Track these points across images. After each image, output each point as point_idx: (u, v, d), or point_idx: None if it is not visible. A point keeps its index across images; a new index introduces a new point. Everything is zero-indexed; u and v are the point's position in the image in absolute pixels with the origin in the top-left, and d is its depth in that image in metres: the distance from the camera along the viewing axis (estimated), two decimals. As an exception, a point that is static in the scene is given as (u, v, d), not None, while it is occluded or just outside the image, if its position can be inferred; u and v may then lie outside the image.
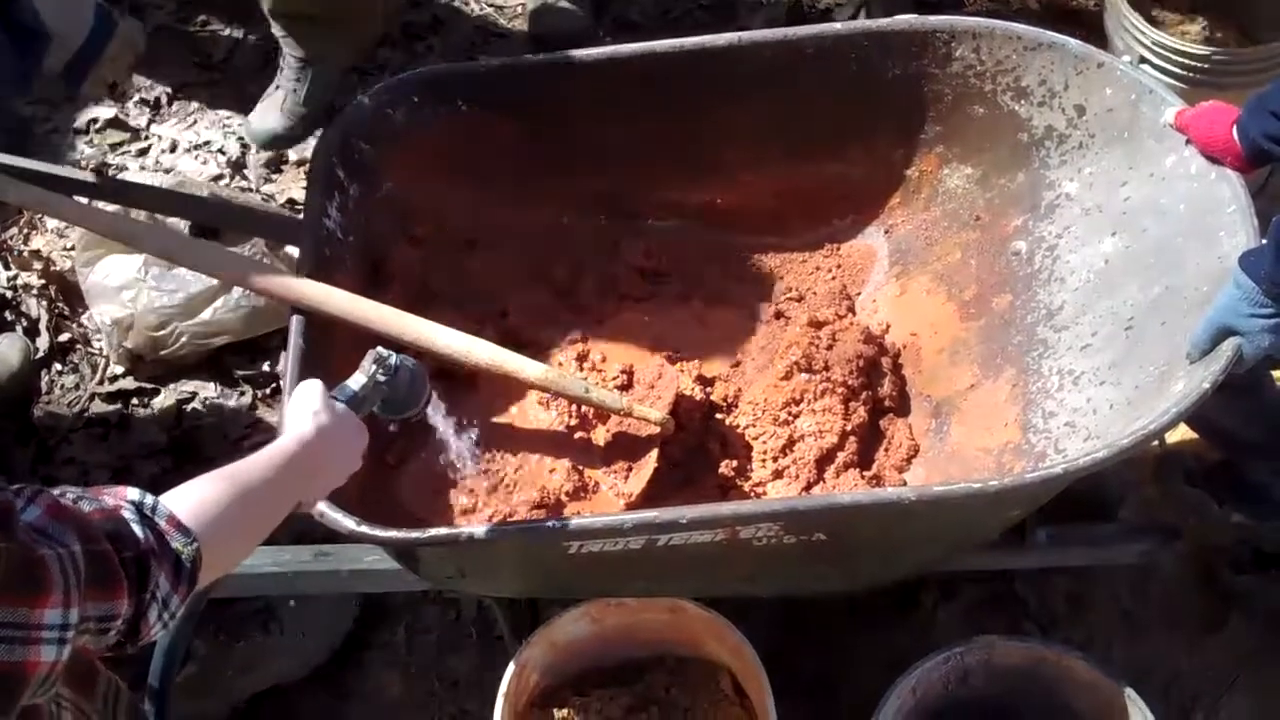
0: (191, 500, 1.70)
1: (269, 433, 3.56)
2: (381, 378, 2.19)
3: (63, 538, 1.47)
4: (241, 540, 1.81)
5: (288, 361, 2.55)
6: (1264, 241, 2.33)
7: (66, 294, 3.85)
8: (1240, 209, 2.51)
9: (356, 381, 2.16)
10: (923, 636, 3.16)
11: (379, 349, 2.22)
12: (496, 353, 2.61)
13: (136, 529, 1.59)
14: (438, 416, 2.48)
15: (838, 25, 2.85)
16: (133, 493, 1.64)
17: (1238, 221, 2.50)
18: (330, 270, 2.68)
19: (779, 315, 3.04)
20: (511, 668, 2.79)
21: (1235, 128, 2.51)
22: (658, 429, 2.69)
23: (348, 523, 2.27)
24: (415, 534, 2.35)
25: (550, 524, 2.37)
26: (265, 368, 3.73)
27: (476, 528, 2.34)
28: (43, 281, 3.85)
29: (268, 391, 3.71)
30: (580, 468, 2.76)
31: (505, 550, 2.45)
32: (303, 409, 2.01)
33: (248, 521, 1.80)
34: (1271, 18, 3.72)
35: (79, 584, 1.46)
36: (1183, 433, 2.98)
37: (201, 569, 1.66)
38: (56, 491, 1.55)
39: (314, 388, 2.06)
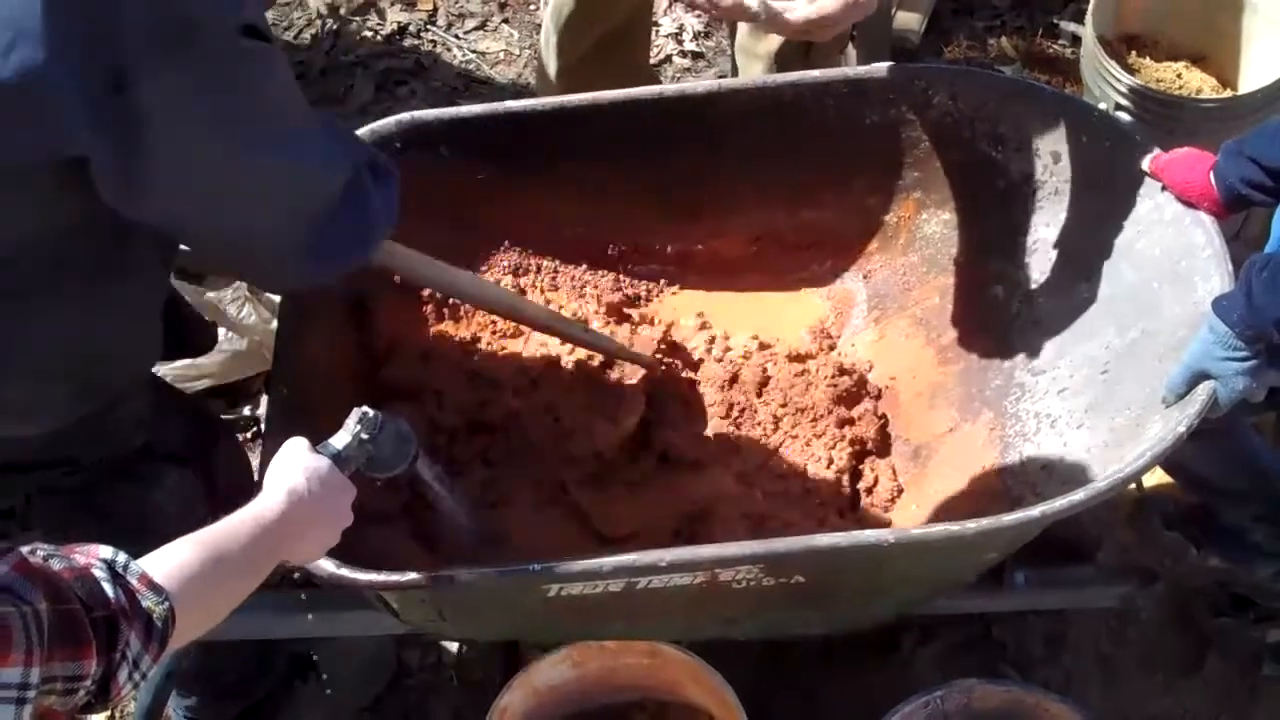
0: (166, 560, 1.68)
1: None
2: (365, 436, 2.17)
3: (28, 595, 1.45)
4: (218, 600, 1.79)
5: (267, 413, 2.56)
6: (1236, 286, 2.36)
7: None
8: (1215, 254, 2.53)
9: (340, 440, 2.15)
10: (901, 679, 3.15)
11: (364, 407, 2.20)
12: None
13: (107, 588, 1.56)
14: (426, 471, 2.47)
15: (815, 73, 2.86)
16: (105, 551, 1.62)
17: (1212, 266, 2.51)
18: (314, 315, 2.70)
19: (762, 347, 3.06)
20: (492, 713, 2.78)
21: (1212, 173, 2.53)
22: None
23: (327, 566, 2.26)
24: (394, 577, 2.34)
25: (530, 567, 2.36)
26: (246, 411, 3.73)
27: (456, 570, 2.34)
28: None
29: (249, 435, 3.70)
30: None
31: (484, 593, 2.45)
32: (287, 469, 2.00)
33: (224, 582, 1.78)
34: (1247, 64, 3.75)
35: (43, 643, 1.44)
36: (1160, 476, 3.00)
37: (175, 629, 1.63)
38: (26, 549, 1.53)
39: (298, 446, 2.05)
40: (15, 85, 1.73)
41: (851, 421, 2.93)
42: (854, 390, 2.96)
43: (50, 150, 1.82)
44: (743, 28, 3.44)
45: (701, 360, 3.05)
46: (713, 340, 3.08)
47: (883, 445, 2.94)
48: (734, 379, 2.99)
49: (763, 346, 3.06)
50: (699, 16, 4.17)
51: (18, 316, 2.04)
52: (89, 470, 2.44)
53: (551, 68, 3.48)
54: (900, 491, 2.87)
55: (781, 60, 3.32)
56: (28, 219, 1.94)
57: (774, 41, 3.32)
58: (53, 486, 2.46)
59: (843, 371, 2.98)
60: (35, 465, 2.39)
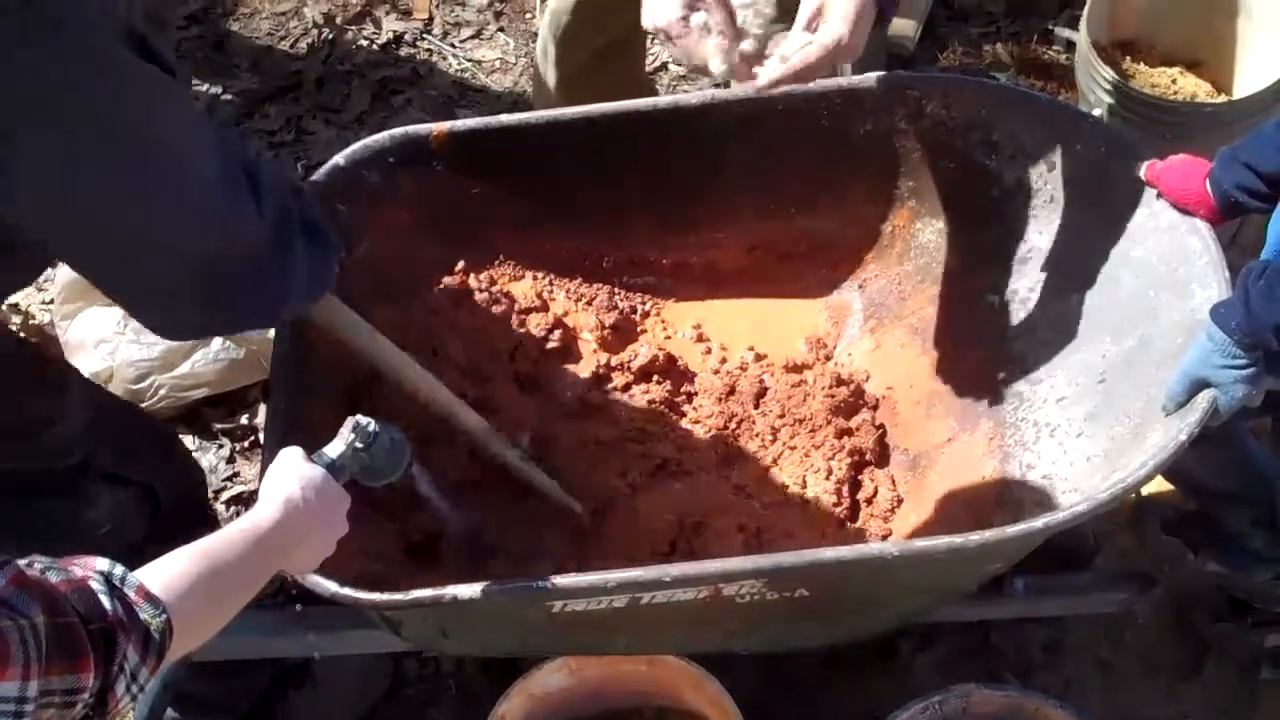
0: (162, 572, 1.69)
1: (248, 483, 3.59)
2: (360, 445, 2.19)
3: (25, 609, 1.45)
4: (215, 612, 1.79)
5: (266, 423, 2.56)
6: (1233, 293, 2.36)
7: (45, 347, 3.84)
8: (1211, 260, 2.53)
9: (335, 449, 2.15)
10: (901, 685, 3.16)
11: (358, 416, 2.21)
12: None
13: (104, 600, 1.57)
14: (423, 482, 2.48)
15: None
16: (102, 563, 1.62)
17: (1209, 273, 2.51)
18: (312, 325, 2.69)
19: (759, 358, 3.07)
20: (491, 722, 2.79)
21: (1207, 180, 2.53)
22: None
23: (329, 585, 2.27)
24: (397, 596, 2.34)
25: (533, 584, 2.36)
26: (244, 420, 3.73)
27: (459, 589, 2.33)
28: (22, 335, 3.84)
29: (246, 444, 3.71)
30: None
31: (488, 611, 2.45)
32: (282, 479, 2.00)
33: (221, 593, 1.79)
34: (1242, 70, 3.76)
35: (40, 657, 1.44)
36: (1158, 482, 2.99)
37: (173, 641, 1.64)
38: (24, 561, 1.53)
39: (293, 455, 2.06)
40: None
41: (850, 432, 2.94)
42: (851, 401, 2.96)
43: None
44: None
45: (698, 372, 3.06)
46: (709, 351, 3.09)
47: (881, 455, 2.94)
48: (731, 390, 3.00)
49: (759, 357, 3.06)
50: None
51: None
52: (20, 484, 2.44)
53: (550, 79, 3.47)
54: (900, 502, 2.87)
55: None
56: None
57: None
58: None
59: (840, 382, 2.99)
60: None
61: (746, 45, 2.45)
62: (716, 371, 3.05)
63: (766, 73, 2.44)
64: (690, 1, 2.43)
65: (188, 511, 2.81)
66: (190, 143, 2.00)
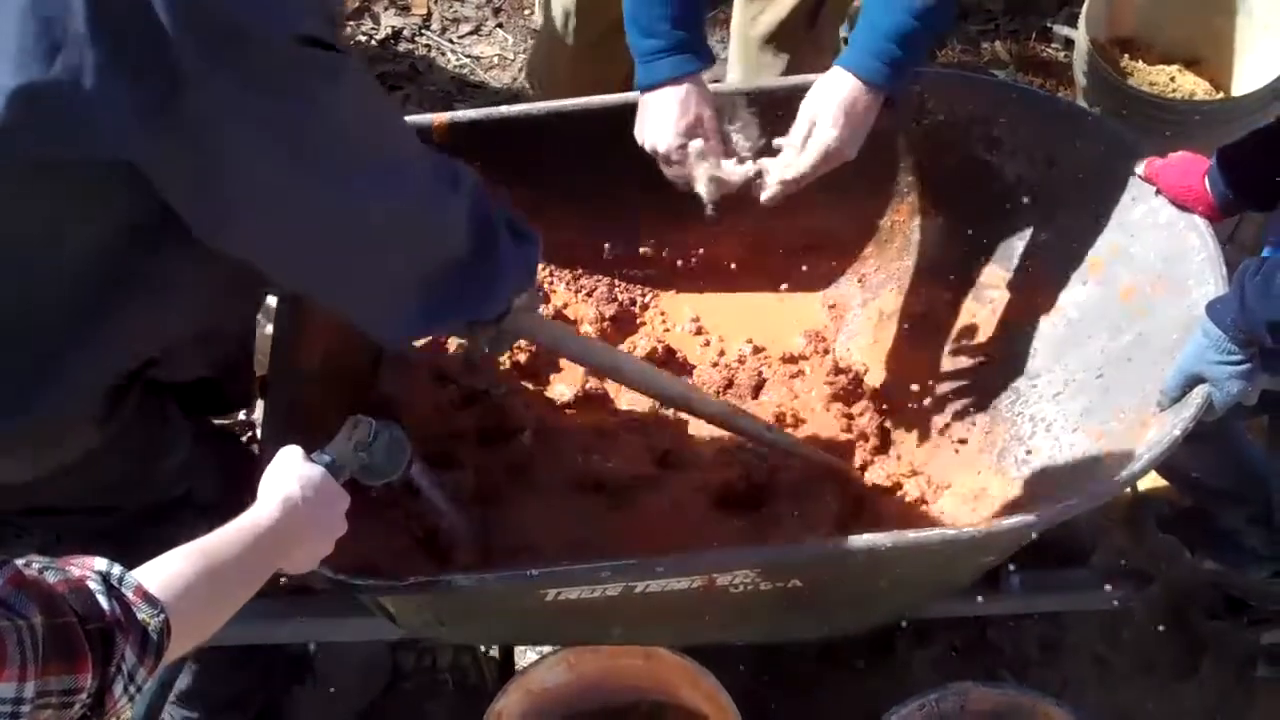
0: (160, 572, 1.67)
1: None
2: (359, 444, 2.18)
3: (23, 609, 1.44)
4: (213, 611, 1.78)
5: (263, 418, 2.56)
6: (1229, 289, 2.36)
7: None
8: (1209, 257, 2.54)
9: (334, 448, 2.14)
10: (897, 682, 3.15)
11: (357, 415, 2.21)
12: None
13: (102, 600, 1.55)
14: (422, 478, 2.47)
15: (810, 76, 2.86)
16: (100, 563, 1.61)
17: (1206, 270, 2.52)
18: (310, 321, 2.69)
19: (757, 351, 3.07)
20: (488, 717, 2.79)
21: (1206, 177, 2.54)
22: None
23: (324, 572, 2.26)
24: (393, 582, 2.35)
25: (528, 572, 2.36)
26: (241, 416, 3.72)
27: (455, 576, 2.34)
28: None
29: (244, 440, 3.70)
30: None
31: (483, 598, 2.45)
32: (281, 478, 1.99)
33: (219, 593, 1.77)
34: (1241, 68, 3.76)
35: (37, 657, 1.43)
36: (1155, 479, 3.00)
37: (170, 641, 1.62)
38: (21, 561, 1.52)
39: (292, 454, 2.05)
40: (63, 85, 1.71)
41: (851, 417, 2.94)
42: (851, 389, 2.96)
43: (97, 151, 1.79)
44: (738, 10, 3.43)
45: (696, 364, 3.06)
46: (708, 344, 3.10)
47: (881, 444, 2.95)
48: (729, 383, 3.00)
49: (757, 350, 3.06)
50: None
51: (59, 331, 2.02)
52: (126, 515, 2.44)
53: (566, 50, 3.46)
54: (897, 488, 2.87)
55: (778, 39, 3.35)
56: (70, 223, 1.90)
57: (765, 25, 3.34)
58: (84, 527, 2.43)
59: (839, 370, 2.99)
60: (75, 510, 2.38)
61: (740, 168, 2.60)
62: (715, 364, 3.05)
63: (767, 195, 2.59)
64: (689, 129, 2.55)
65: None
66: (394, 131, 2.09)
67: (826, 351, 3.07)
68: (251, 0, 1.77)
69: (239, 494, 2.58)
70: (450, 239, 2.16)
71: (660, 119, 2.56)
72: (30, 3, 1.71)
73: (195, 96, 1.75)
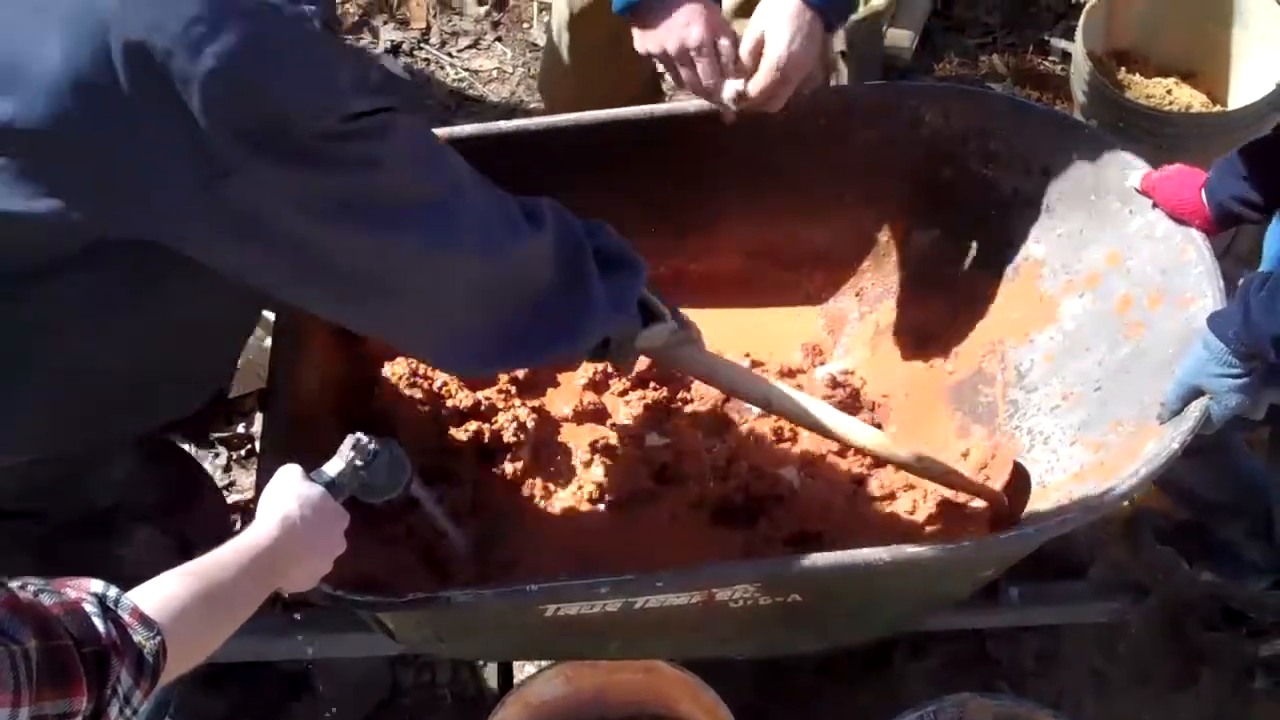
0: (157, 593, 1.68)
1: (244, 491, 3.58)
2: (360, 463, 2.18)
3: (17, 634, 1.44)
4: (210, 632, 1.78)
5: (262, 432, 2.56)
6: (1231, 302, 2.36)
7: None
8: (1206, 270, 2.54)
9: (334, 467, 2.15)
10: (894, 695, 3.15)
11: (358, 434, 2.21)
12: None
13: (98, 623, 1.55)
14: (423, 495, 2.47)
15: (806, 91, 2.87)
16: (96, 585, 1.61)
17: (1204, 283, 2.52)
18: (309, 337, 2.70)
19: (755, 365, 3.06)
20: (487, 730, 2.79)
21: (1203, 190, 2.54)
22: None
23: (323, 588, 2.26)
24: (392, 598, 2.35)
25: (527, 588, 2.37)
26: (240, 429, 3.73)
27: (453, 592, 2.34)
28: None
29: (243, 453, 3.70)
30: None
31: (482, 614, 2.45)
32: (280, 497, 2.00)
33: (216, 614, 1.77)
34: (1237, 80, 3.77)
35: (31, 682, 1.43)
36: (1152, 491, 3.00)
37: (167, 663, 1.62)
38: (16, 584, 1.52)
39: (291, 473, 2.05)
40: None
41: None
42: (849, 402, 2.96)
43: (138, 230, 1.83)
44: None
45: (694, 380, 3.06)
46: (705, 359, 3.09)
47: (878, 461, 2.94)
48: (727, 397, 2.99)
49: (756, 364, 3.06)
50: None
51: (25, 333, 2.02)
52: (55, 524, 2.44)
53: (564, 62, 3.47)
54: (893, 498, 2.86)
55: None
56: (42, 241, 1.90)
57: None
58: (19, 533, 2.44)
59: (836, 384, 2.99)
60: (5, 513, 2.38)
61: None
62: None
63: (729, 112, 2.59)
64: (714, 33, 2.52)
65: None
66: (446, 175, 2.11)
67: (824, 364, 3.07)
68: (297, 90, 1.78)
69: (182, 504, 2.60)
70: (529, 277, 2.19)
71: (686, 20, 2.50)
72: None
73: (238, 183, 1.78)
